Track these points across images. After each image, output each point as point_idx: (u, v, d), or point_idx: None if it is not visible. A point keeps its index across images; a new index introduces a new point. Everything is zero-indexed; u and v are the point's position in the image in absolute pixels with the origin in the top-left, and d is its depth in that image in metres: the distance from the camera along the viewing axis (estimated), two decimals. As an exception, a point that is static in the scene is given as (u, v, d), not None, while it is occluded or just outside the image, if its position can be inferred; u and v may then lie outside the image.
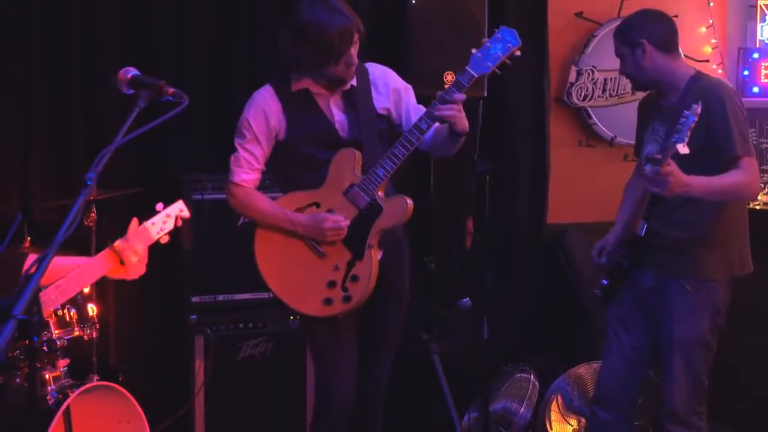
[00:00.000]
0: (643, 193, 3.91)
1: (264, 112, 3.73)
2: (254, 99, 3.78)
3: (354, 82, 3.75)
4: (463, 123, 3.63)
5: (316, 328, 3.86)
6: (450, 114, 3.57)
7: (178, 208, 3.23)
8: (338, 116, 3.77)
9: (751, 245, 4.17)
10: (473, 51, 3.64)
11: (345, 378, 3.85)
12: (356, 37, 3.60)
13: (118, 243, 3.01)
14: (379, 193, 3.70)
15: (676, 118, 3.70)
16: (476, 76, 3.61)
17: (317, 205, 3.74)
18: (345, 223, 3.67)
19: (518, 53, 3.65)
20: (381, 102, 3.81)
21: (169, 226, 3.19)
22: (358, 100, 3.76)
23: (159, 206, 3.18)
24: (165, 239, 3.21)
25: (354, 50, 3.62)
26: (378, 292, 3.75)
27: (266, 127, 3.73)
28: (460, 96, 3.57)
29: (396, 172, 3.68)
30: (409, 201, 3.74)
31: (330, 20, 3.53)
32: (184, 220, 3.25)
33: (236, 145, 3.78)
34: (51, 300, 2.94)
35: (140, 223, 3.09)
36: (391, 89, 3.83)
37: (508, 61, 3.65)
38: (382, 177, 3.66)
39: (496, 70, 3.65)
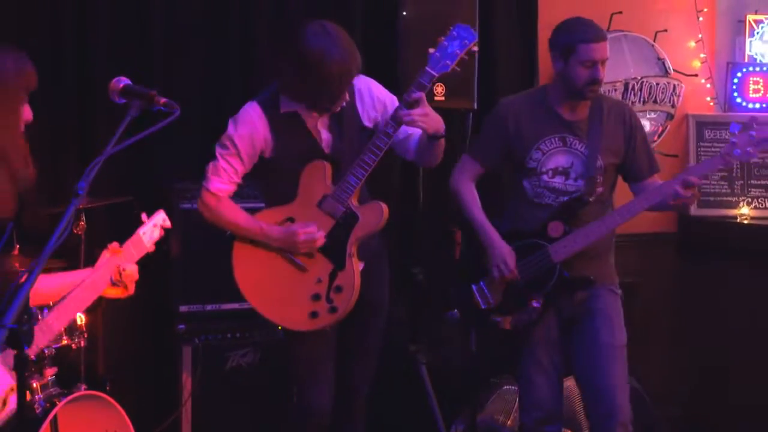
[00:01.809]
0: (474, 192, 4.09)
1: (250, 134, 3.71)
2: (241, 117, 3.74)
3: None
4: (433, 125, 3.60)
5: (293, 342, 3.86)
6: (410, 119, 3.55)
7: (162, 218, 3.28)
8: (325, 135, 3.76)
9: (739, 258, 4.21)
10: (430, 51, 3.65)
11: (323, 388, 3.85)
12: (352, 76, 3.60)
13: (118, 274, 3.06)
14: (353, 202, 3.70)
15: (591, 132, 3.93)
16: (436, 75, 3.62)
17: (292, 219, 3.73)
18: (318, 234, 3.67)
19: (475, 48, 3.69)
20: (367, 113, 3.80)
21: (156, 235, 3.25)
22: (344, 116, 3.76)
23: (143, 216, 3.22)
24: (152, 249, 3.25)
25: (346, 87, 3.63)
26: (356, 303, 3.74)
27: (251, 148, 3.72)
28: (417, 94, 3.56)
29: (368, 178, 3.68)
30: (384, 206, 3.73)
31: (331, 58, 3.49)
32: (166, 229, 3.29)
33: (217, 154, 3.76)
34: (64, 315, 2.95)
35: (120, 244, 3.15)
36: (376, 100, 3.82)
37: (465, 56, 3.67)
38: (354, 185, 3.66)
39: (455, 67, 3.66)
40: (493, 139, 4.10)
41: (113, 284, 3.10)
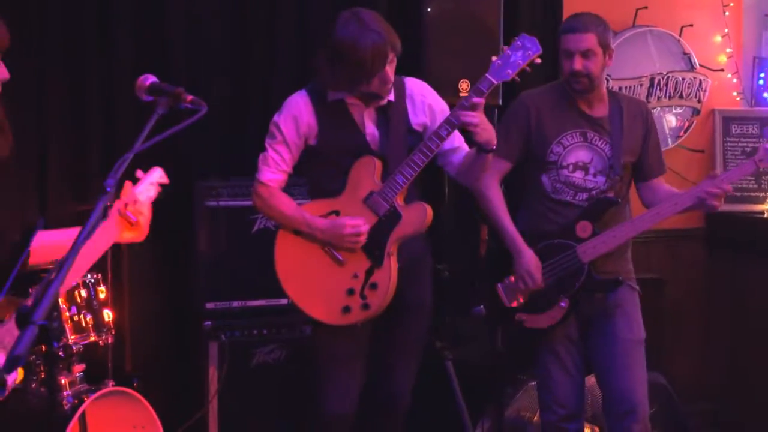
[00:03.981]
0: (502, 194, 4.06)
1: (295, 119, 3.74)
2: (288, 104, 3.79)
3: (391, 97, 3.75)
4: (486, 134, 3.59)
5: (320, 337, 3.86)
6: (469, 120, 3.54)
7: (159, 175, 3.16)
8: (370, 129, 3.76)
9: (766, 253, 4.16)
10: (493, 58, 3.65)
11: (339, 392, 3.84)
12: (392, 55, 3.60)
13: (124, 205, 2.95)
14: (399, 201, 3.70)
15: (612, 129, 3.93)
16: (495, 82, 3.61)
17: (337, 213, 3.73)
18: (364, 228, 3.66)
19: (539, 60, 3.66)
20: (416, 117, 3.80)
21: (153, 193, 3.11)
22: (392, 115, 3.76)
23: (139, 173, 3.11)
24: (148, 207, 3.16)
25: (390, 68, 3.62)
26: (395, 305, 3.74)
27: (296, 133, 3.74)
28: (477, 99, 3.56)
29: (417, 179, 3.70)
30: (428, 207, 3.73)
31: (363, 39, 3.51)
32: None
33: (266, 144, 3.80)
34: (78, 268, 2.89)
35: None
36: (427, 106, 3.82)
37: (527, 68, 3.66)
38: (402, 184, 3.66)
39: (516, 77, 3.66)
40: (514, 132, 4.07)
41: (130, 224, 3.00)
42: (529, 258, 3.95)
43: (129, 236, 3.04)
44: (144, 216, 3.02)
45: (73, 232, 2.91)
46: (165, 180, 3.22)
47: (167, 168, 4.76)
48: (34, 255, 2.85)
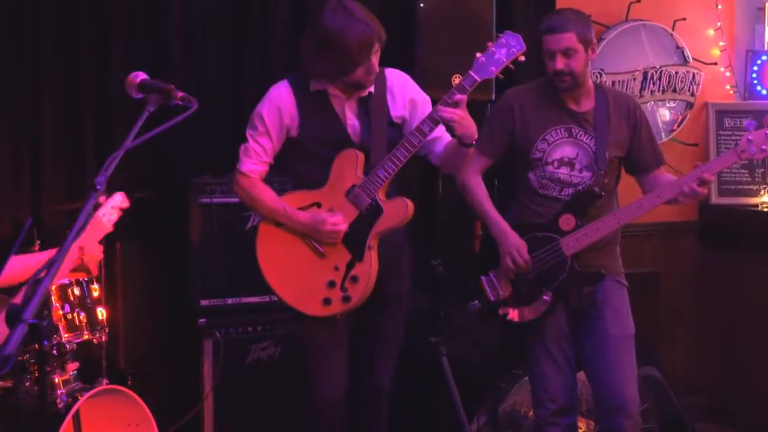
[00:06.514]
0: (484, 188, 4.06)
1: (278, 108, 3.76)
2: (270, 94, 3.82)
3: (371, 88, 3.77)
4: (467, 130, 3.64)
5: (304, 328, 3.89)
6: (449, 116, 3.59)
7: (119, 200, 3.30)
8: (351, 121, 3.78)
9: (760, 246, 4.14)
10: (477, 55, 3.67)
11: (330, 378, 3.87)
12: (377, 46, 3.63)
13: (80, 259, 3.07)
14: (380, 195, 3.72)
15: (599, 125, 3.91)
16: (479, 80, 3.65)
17: (318, 205, 3.76)
18: (343, 226, 3.70)
19: (522, 58, 3.68)
20: (396, 110, 3.82)
21: (114, 217, 3.29)
22: (373, 107, 3.78)
23: (102, 199, 3.21)
24: (111, 229, 3.31)
25: (375, 59, 3.65)
26: (374, 297, 3.76)
27: (278, 123, 3.77)
28: (460, 96, 3.60)
29: (398, 174, 3.70)
30: (409, 202, 3.75)
31: (350, 29, 3.55)
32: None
33: (248, 135, 3.82)
34: None
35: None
36: (407, 99, 3.84)
37: (511, 65, 3.68)
38: (383, 178, 3.68)
39: (500, 75, 3.70)
40: (498, 129, 4.07)
41: (74, 269, 3.11)
42: (515, 237, 3.96)
43: (78, 274, 3.12)
44: (96, 260, 3.09)
45: (44, 255, 2.97)
46: (126, 204, 3.29)
47: (161, 165, 4.82)
48: (5, 278, 2.89)
